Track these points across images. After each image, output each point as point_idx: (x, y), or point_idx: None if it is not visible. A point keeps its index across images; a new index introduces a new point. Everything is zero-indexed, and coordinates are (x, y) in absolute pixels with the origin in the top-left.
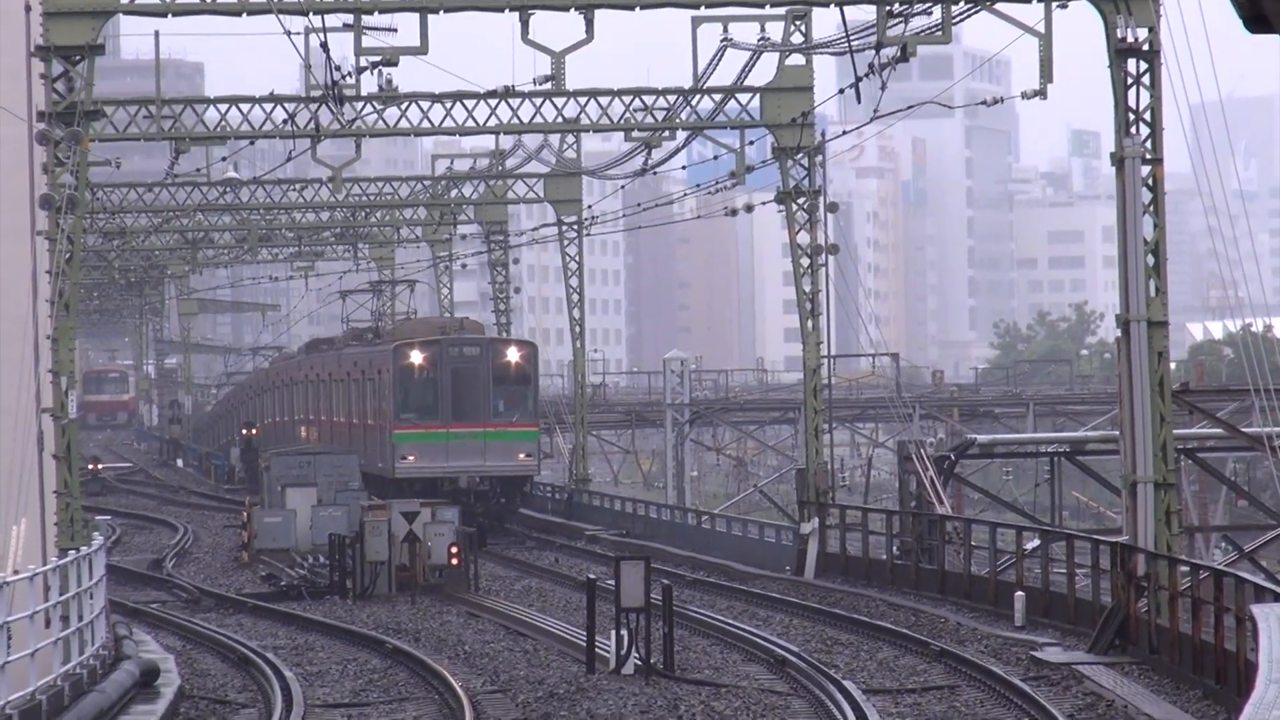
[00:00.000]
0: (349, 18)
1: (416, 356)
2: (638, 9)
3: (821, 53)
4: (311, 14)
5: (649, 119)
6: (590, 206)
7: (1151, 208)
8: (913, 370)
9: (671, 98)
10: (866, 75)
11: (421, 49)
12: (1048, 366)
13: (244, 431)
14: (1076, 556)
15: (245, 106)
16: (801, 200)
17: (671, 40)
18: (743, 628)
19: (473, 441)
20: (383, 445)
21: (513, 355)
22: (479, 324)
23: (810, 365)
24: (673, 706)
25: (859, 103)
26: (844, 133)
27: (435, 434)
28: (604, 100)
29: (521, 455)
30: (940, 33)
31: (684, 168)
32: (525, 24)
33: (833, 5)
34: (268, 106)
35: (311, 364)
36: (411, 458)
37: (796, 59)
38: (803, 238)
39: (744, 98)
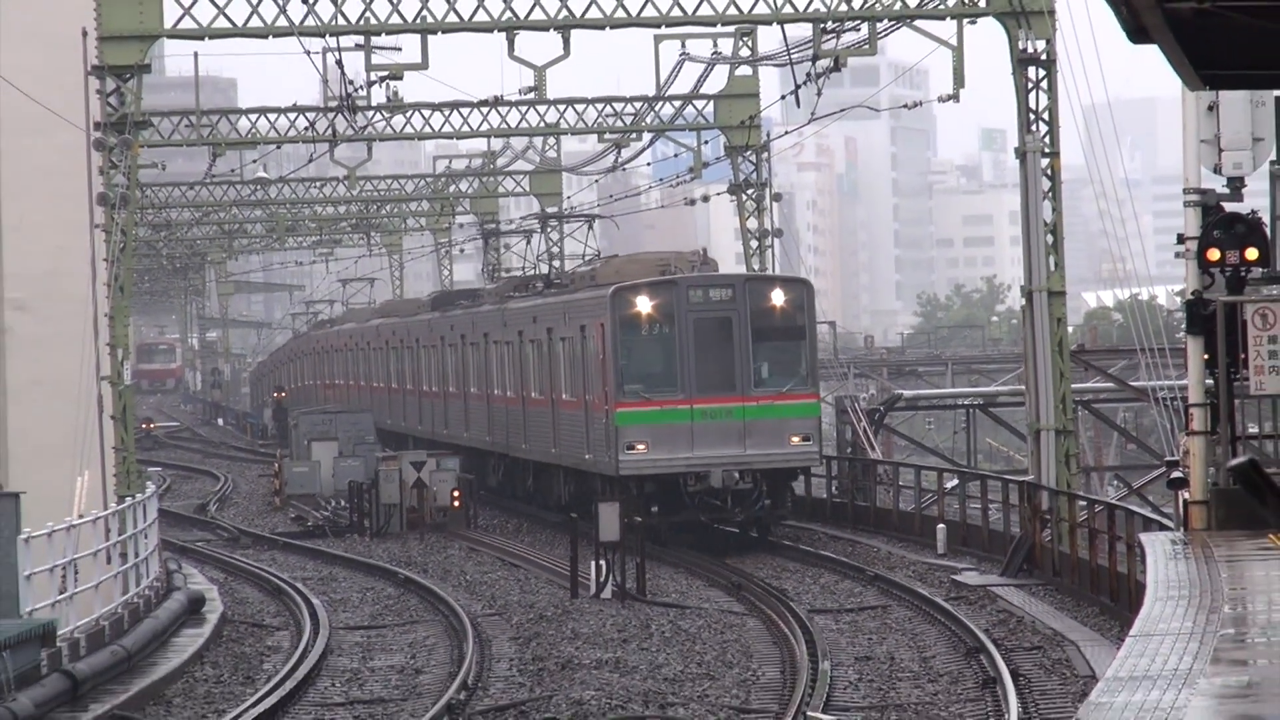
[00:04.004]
0: (360, 38)
1: (644, 304)
2: (608, 29)
3: (766, 64)
4: (328, 35)
5: (618, 123)
6: (569, 198)
7: (1050, 194)
8: (848, 336)
9: (637, 104)
10: (804, 83)
11: (423, 65)
12: (964, 331)
13: (275, 394)
14: (990, 494)
15: (272, 116)
16: (750, 191)
17: (637, 54)
18: (703, 558)
19: (728, 421)
20: (592, 430)
21: (778, 298)
22: (714, 261)
23: None
24: (644, 625)
25: (799, 107)
26: (786, 133)
27: (674, 412)
28: (580, 107)
29: (796, 438)
30: (867, 46)
31: (649, 164)
32: (511, 42)
33: (775, 24)
34: (291, 116)
35: (451, 323)
36: (641, 446)
37: (744, 70)
38: (752, 224)
39: (700, 103)
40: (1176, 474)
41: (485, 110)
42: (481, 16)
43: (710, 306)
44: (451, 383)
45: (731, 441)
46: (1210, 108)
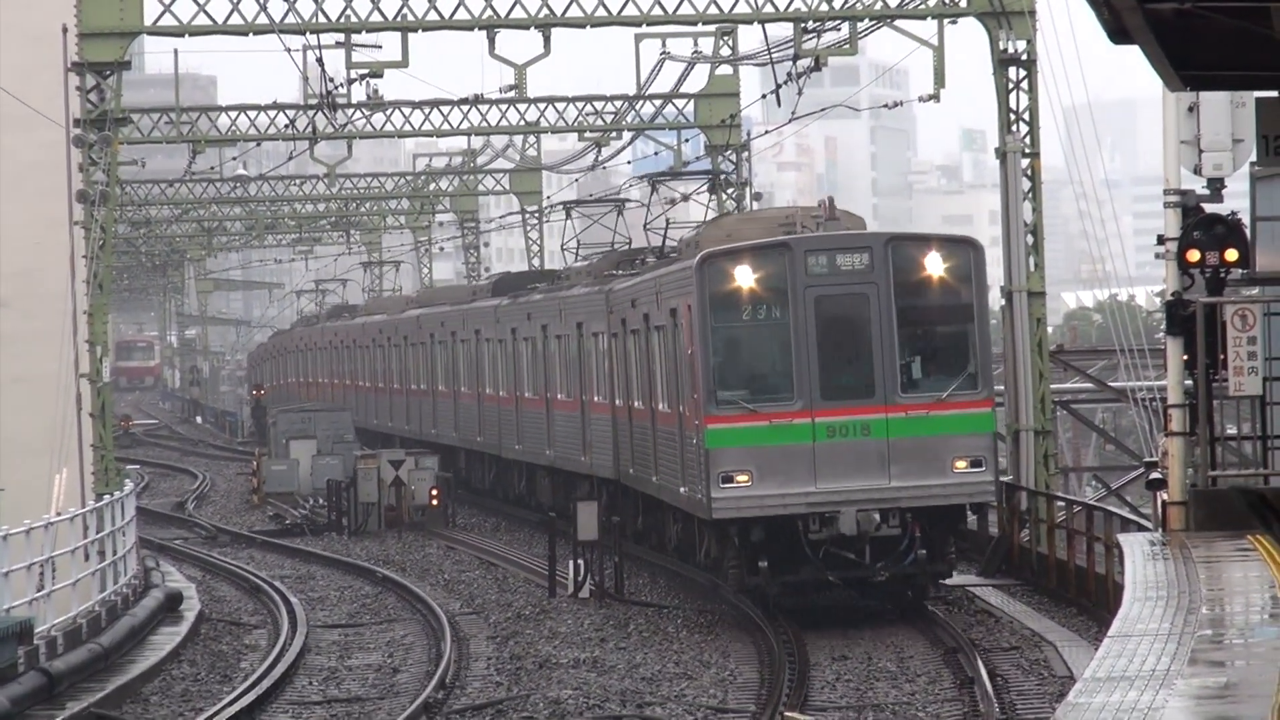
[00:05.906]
0: (340, 36)
1: (744, 276)
2: (588, 27)
3: (746, 64)
4: (308, 33)
5: (599, 121)
6: (549, 197)
7: (1030, 195)
8: None
9: (618, 103)
10: (785, 83)
11: (403, 63)
12: None
13: (254, 392)
14: None
15: (252, 113)
16: (730, 191)
17: (617, 53)
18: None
19: (865, 440)
20: (687, 453)
21: (935, 265)
22: (856, 217)
23: None
24: (622, 625)
25: (779, 106)
26: (766, 132)
27: (789, 429)
28: (560, 106)
29: (962, 462)
30: (848, 46)
31: (629, 163)
32: (492, 41)
33: (756, 23)
34: (271, 113)
35: (528, 311)
36: (742, 478)
37: (725, 69)
38: None
39: (680, 103)
40: (1155, 475)
41: (465, 108)
42: (462, 15)
43: (839, 278)
44: (528, 385)
45: (870, 469)
46: (1190, 109)
